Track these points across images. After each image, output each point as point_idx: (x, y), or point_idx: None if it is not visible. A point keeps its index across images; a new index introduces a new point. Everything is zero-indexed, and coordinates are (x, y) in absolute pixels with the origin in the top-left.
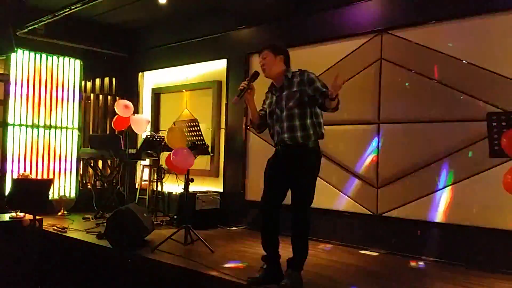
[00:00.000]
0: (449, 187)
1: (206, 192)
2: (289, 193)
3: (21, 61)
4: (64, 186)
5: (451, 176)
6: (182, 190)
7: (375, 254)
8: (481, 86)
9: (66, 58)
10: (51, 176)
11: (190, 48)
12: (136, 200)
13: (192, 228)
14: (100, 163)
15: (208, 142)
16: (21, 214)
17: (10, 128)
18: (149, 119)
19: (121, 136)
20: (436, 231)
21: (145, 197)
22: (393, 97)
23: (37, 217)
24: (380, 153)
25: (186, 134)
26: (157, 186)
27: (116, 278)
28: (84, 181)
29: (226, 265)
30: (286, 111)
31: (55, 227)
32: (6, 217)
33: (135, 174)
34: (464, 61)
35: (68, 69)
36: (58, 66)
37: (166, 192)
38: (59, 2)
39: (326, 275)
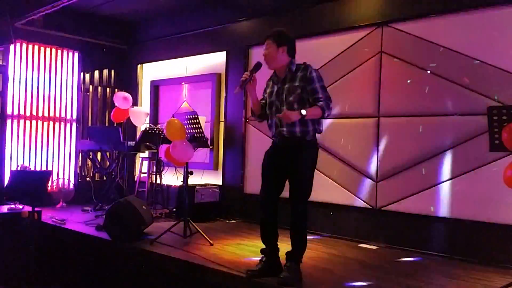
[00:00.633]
0: (449, 181)
1: (205, 185)
2: (287, 186)
3: (19, 53)
4: (63, 178)
5: (450, 170)
6: (181, 183)
7: (374, 247)
8: (482, 80)
9: (65, 50)
10: (49, 168)
11: (190, 40)
12: (135, 192)
13: (191, 221)
14: (99, 155)
15: (207, 135)
16: (20, 206)
17: (8, 120)
18: (148, 112)
19: (120, 128)
20: (435, 225)
21: (144, 189)
22: (393, 91)
23: (36, 209)
24: (379, 147)
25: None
26: (156, 178)
27: (114, 270)
28: (83, 173)
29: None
30: (286, 105)
31: (54, 219)
32: (5, 208)
33: (134, 167)
34: (464, 54)
35: (67, 61)
36: (56, 57)
37: (165, 185)
38: None
39: (325, 268)
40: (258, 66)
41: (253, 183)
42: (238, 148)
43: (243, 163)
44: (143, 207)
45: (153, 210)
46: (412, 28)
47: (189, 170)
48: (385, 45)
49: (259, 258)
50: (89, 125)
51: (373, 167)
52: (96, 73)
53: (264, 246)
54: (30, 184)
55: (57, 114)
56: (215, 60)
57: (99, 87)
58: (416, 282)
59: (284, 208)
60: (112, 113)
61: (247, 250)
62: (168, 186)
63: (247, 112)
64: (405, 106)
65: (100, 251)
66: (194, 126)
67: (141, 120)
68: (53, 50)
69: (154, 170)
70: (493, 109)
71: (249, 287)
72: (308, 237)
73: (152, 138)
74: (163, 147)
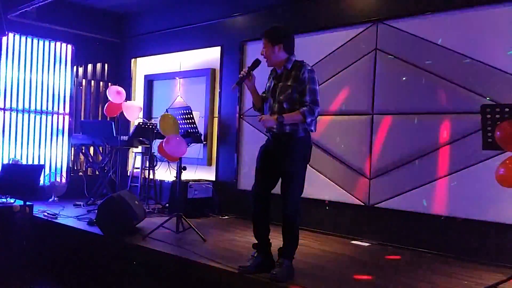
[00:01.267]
0: (442, 179)
1: (199, 180)
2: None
3: (12, 45)
4: (55, 172)
5: (444, 168)
6: (174, 178)
7: (366, 244)
8: (476, 78)
9: (58, 43)
10: (42, 162)
11: (184, 35)
12: (128, 187)
13: (184, 216)
14: (91, 149)
15: (201, 130)
16: (12, 200)
17: (0, 113)
18: (142, 106)
19: (113, 123)
20: (428, 222)
21: (137, 184)
22: (387, 88)
23: (27, 203)
24: (373, 144)
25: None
26: (149, 173)
27: (106, 265)
28: (75, 168)
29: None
30: (277, 103)
31: (45, 213)
32: None
33: (127, 161)
34: (458, 53)
35: (60, 54)
36: (49, 50)
37: (158, 180)
38: None
39: (317, 265)
40: (256, 63)
41: (247, 179)
42: (232, 143)
43: (237, 159)
44: (136, 202)
45: (145, 205)
46: (407, 26)
47: (183, 165)
48: (380, 42)
49: (251, 254)
50: (82, 119)
51: (366, 164)
52: (90, 66)
53: (256, 241)
54: (22, 178)
55: (50, 108)
56: (210, 55)
57: (93, 81)
58: (408, 279)
59: (277, 204)
60: (105, 107)
61: (240, 246)
62: (161, 182)
63: (241, 107)
64: (399, 104)
65: (92, 246)
66: (188, 121)
67: (135, 114)
68: (46, 43)
69: (147, 165)
70: (486, 107)
71: (242, 282)
72: (300, 233)
73: (146, 133)
74: (156, 142)
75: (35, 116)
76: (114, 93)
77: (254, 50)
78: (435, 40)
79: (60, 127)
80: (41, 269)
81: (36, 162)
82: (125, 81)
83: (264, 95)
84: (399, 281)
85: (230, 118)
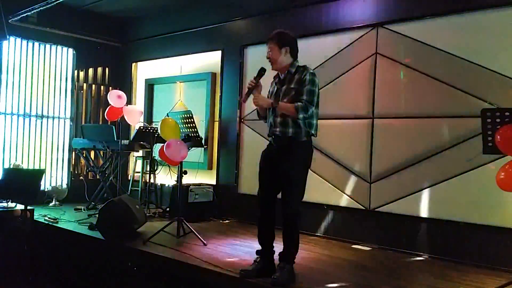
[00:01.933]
0: (442, 183)
1: (199, 184)
2: None
3: (13, 49)
4: (56, 177)
5: (444, 172)
6: (175, 182)
7: (367, 248)
8: (476, 82)
9: (59, 47)
10: (43, 166)
11: (185, 39)
12: (129, 191)
13: (185, 221)
14: (92, 153)
15: (202, 134)
16: (12, 204)
17: (1, 117)
18: (142, 110)
19: (114, 127)
20: (428, 226)
21: (137, 188)
22: (387, 92)
23: (28, 208)
24: (373, 148)
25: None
26: (149, 178)
27: (107, 269)
28: (76, 172)
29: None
30: None
31: (46, 218)
32: None
33: (128, 166)
34: (459, 57)
35: (61, 58)
36: (50, 55)
37: (159, 184)
38: None
39: (318, 269)
40: (262, 72)
41: (247, 183)
42: (232, 148)
43: (237, 163)
44: (137, 206)
45: (146, 210)
46: (407, 30)
47: (183, 169)
48: (380, 46)
49: (254, 259)
50: (83, 123)
51: (366, 168)
52: (91, 70)
53: (260, 247)
54: (23, 182)
55: (51, 112)
56: (210, 59)
57: (93, 85)
58: (409, 283)
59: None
60: (106, 112)
61: (240, 250)
62: (162, 186)
63: (242, 112)
64: (399, 108)
65: (93, 250)
66: (189, 125)
67: (136, 118)
68: (47, 47)
69: (148, 169)
70: (486, 111)
71: (243, 287)
72: (300, 237)
73: (146, 137)
74: (157, 146)
75: (36, 120)
76: (115, 97)
77: (254, 54)
78: (435, 44)
79: (61, 131)
80: (42, 273)
81: (37, 167)
82: (126, 85)
83: None
84: (400, 285)
85: (231, 122)
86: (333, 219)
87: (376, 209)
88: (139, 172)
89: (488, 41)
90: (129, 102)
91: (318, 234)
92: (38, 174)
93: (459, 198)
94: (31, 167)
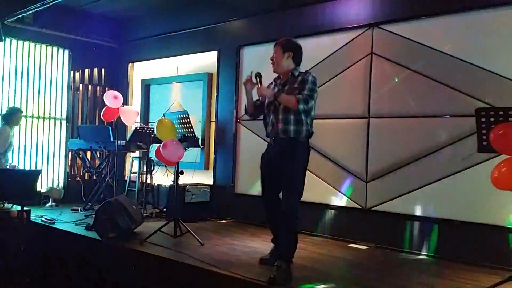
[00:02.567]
0: (438, 182)
1: (196, 184)
2: None
3: (9, 50)
4: (53, 177)
5: (440, 170)
6: (172, 183)
7: (364, 247)
8: (471, 82)
9: (55, 48)
10: (39, 167)
11: (181, 40)
12: (125, 192)
13: (182, 221)
14: (88, 154)
15: (198, 134)
16: (9, 205)
17: None
18: (139, 111)
19: (110, 127)
20: (424, 225)
21: (134, 189)
22: (383, 92)
23: (24, 208)
24: (369, 148)
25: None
26: (146, 178)
27: (104, 270)
28: (72, 172)
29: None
30: (283, 105)
31: (43, 219)
32: None
33: (125, 166)
34: (454, 56)
35: (57, 59)
36: (46, 55)
37: (156, 184)
38: None
39: (315, 268)
40: (258, 75)
41: (244, 183)
42: (229, 148)
43: (234, 163)
44: (133, 206)
45: (143, 210)
46: (402, 30)
47: (180, 169)
48: (376, 46)
49: (271, 248)
50: (79, 124)
51: (362, 168)
52: (87, 71)
53: (273, 236)
54: (19, 183)
55: (47, 113)
56: (207, 60)
57: (90, 86)
58: (405, 282)
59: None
60: (102, 112)
61: (237, 250)
62: (159, 186)
63: (238, 112)
64: (395, 107)
65: (90, 251)
66: (185, 125)
67: (132, 119)
68: (43, 47)
69: (145, 169)
70: (481, 110)
71: (240, 287)
72: (298, 236)
73: (143, 137)
74: (153, 146)
75: (32, 121)
76: (111, 97)
77: (251, 54)
78: (431, 44)
79: (58, 132)
80: (38, 274)
81: (33, 168)
82: (122, 85)
83: (258, 102)
84: (397, 284)
85: (227, 122)
86: (329, 218)
87: (372, 208)
88: (135, 173)
89: (483, 40)
90: (125, 102)
91: (315, 234)
92: (34, 175)
93: (454, 197)
94: (27, 168)
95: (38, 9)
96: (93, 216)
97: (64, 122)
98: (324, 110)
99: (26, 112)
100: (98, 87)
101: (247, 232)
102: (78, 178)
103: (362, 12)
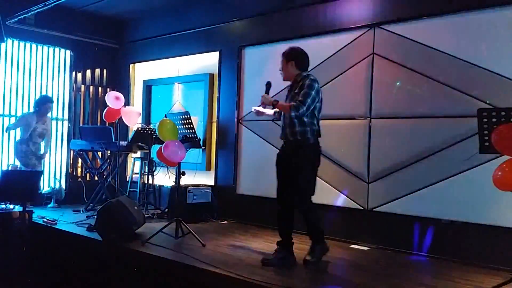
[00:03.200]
0: (440, 183)
1: (198, 185)
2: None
3: (11, 51)
4: (55, 178)
5: (441, 171)
6: (173, 183)
7: (365, 248)
8: (472, 82)
9: (57, 49)
10: (41, 168)
11: (182, 40)
12: (127, 193)
13: (183, 222)
14: (90, 155)
15: (200, 135)
16: (11, 206)
17: None
18: (140, 112)
19: (112, 128)
20: (426, 226)
21: (136, 190)
22: (384, 92)
23: (26, 209)
24: (371, 148)
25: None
26: (148, 179)
27: (106, 271)
28: (74, 173)
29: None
30: None
31: (44, 219)
32: None
33: (126, 167)
34: (455, 57)
35: (59, 60)
36: (48, 56)
37: (157, 185)
38: None
39: (316, 269)
40: (268, 85)
41: (246, 184)
42: (230, 148)
43: (235, 163)
44: (135, 207)
45: (145, 211)
46: (404, 30)
47: (181, 170)
48: (377, 47)
49: (275, 249)
50: (81, 124)
51: (364, 168)
52: (88, 72)
53: (280, 239)
54: (21, 184)
55: (49, 113)
56: (208, 60)
57: (91, 87)
58: (407, 282)
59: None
60: (104, 113)
61: (239, 251)
62: (160, 187)
63: (240, 112)
64: (397, 108)
65: (91, 252)
66: (187, 126)
67: (134, 120)
68: (45, 48)
69: (146, 170)
70: (482, 111)
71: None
72: (299, 237)
73: (144, 138)
74: (155, 147)
75: None
76: (113, 98)
77: (252, 55)
78: (432, 44)
79: (59, 132)
80: (40, 275)
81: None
82: (124, 86)
83: None
84: (398, 285)
85: (229, 123)
86: (331, 219)
87: (374, 209)
88: (137, 173)
89: (484, 41)
90: (127, 103)
91: None
92: (36, 175)
93: (456, 198)
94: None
95: (40, 10)
96: (95, 217)
97: (66, 123)
98: (325, 110)
99: (28, 112)
100: (99, 88)
101: (249, 233)
102: (79, 179)
103: (364, 13)
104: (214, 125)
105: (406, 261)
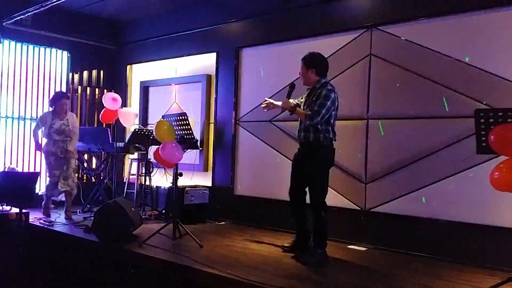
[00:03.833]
0: (437, 183)
1: (195, 186)
2: None
3: (8, 52)
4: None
5: (439, 172)
6: (171, 184)
7: (363, 249)
8: (469, 83)
9: (53, 50)
10: (37, 169)
11: (180, 41)
12: (124, 194)
13: (181, 223)
14: (87, 156)
15: (197, 136)
16: (8, 208)
17: None
18: (138, 113)
19: (109, 129)
20: (424, 226)
21: (133, 191)
22: (382, 93)
23: (23, 211)
24: (368, 149)
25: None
26: (145, 180)
27: (103, 272)
28: None
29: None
30: None
31: (41, 221)
32: None
33: (123, 168)
34: (452, 57)
35: (56, 61)
36: (45, 57)
37: (155, 186)
38: None
39: (314, 269)
40: (292, 87)
41: (243, 185)
42: (228, 149)
43: (233, 164)
44: (132, 208)
45: (142, 212)
46: (401, 31)
47: (179, 171)
48: (375, 48)
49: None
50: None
51: (362, 169)
52: (85, 73)
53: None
54: (18, 185)
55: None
56: (206, 61)
57: (88, 88)
58: (405, 283)
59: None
60: (101, 114)
61: (236, 251)
62: (158, 188)
63: (237, 113)
64: (394, 109)
65: (88, 253)
66: (184, 127)
67: (131, 121)
68: (42, 50)
69: (143, 171)
70: (480, 112)
71: None
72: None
73: (142, 139)
74: (152, 148)
75: (30, 123)
76: (110, 99)
77: (250, 56)
78: (430, 45)
79: None
80: (37, 276)
81: (32, 170)
82: (121, 87)
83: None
84: (396, 286)
85: (226, 123)
86: (328, 219)
87: (371, 210)
88: (134, 175)
89: (481, 42)
90: (124, 104)
91: None
92: (33, 177)
93: (454, 198)
94: (26, 170)
95: (37, 11)
96: (92, 218)
97: None
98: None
99: (25, 114)
100: (96, 89)
101: (246, 233)
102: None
103: (361, 14)
104: (212, 126)
105: (403, 262)
